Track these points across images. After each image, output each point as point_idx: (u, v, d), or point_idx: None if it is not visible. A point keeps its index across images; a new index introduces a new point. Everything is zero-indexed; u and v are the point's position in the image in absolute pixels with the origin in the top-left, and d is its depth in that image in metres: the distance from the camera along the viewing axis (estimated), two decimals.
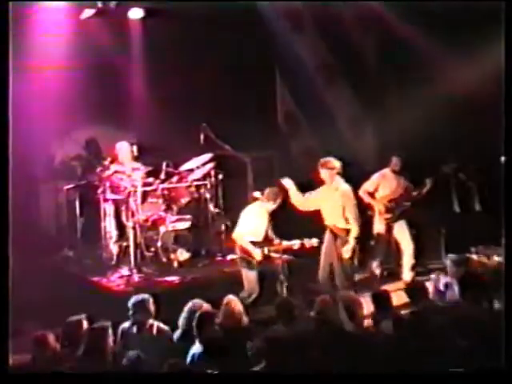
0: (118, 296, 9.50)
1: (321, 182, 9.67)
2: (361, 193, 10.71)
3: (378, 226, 10.80)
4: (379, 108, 12.83)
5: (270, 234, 9.49)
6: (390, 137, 12.39)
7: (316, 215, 9.67)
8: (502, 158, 10.30)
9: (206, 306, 7.51)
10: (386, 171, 10.82)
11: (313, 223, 9.79)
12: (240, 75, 11.75)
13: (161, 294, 9.35)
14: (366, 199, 10.73)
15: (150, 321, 7.45)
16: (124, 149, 10.89)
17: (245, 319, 7.58)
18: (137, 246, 10.38)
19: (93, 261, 10.81)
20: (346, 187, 9.59)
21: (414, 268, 10.62)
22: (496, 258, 9.74)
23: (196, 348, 6.80)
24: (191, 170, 10.99)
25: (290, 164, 12.53)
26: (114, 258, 10.72)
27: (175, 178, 10.90)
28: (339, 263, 9.52)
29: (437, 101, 11.85)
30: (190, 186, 10.93)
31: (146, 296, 7.53)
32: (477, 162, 11.02)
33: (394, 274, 10.76)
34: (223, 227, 11.03)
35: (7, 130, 5.82)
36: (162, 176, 10.80)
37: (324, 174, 9.62)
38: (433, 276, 8.72)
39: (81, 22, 11.04)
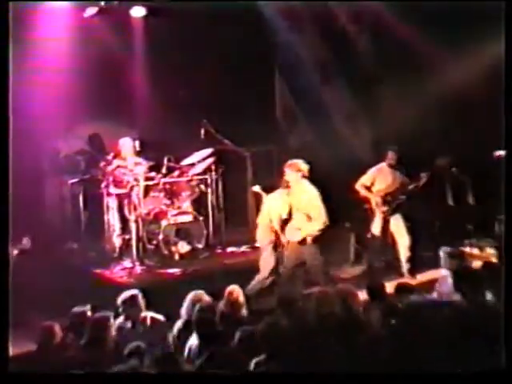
0: (120, 287, 9.45)
1: None
2: (358, 186, 10.68)
3: (375, 219, 10.76)
4: (375, 105, 12.82)
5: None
6: (385, 132, 12.35)
7: None
8: (496, 152, 10.33)
9: (207, 299, 7.47)
10: (383, 165, 10.77)
11: None
12: (240, 72, 11.75)
13: (162, 286, 9.41)
14: (363, 193, 10.69)
15: (143, 314, 7.39)
16: (127, 144, 10.87)
17: (244, 310, 7.54)
18: (139, 238, 10.40)
19: (96, 253, 10.82)
20: (312, 190, 9.49)
21: (409, 260, 10.57)
22: (488, 250, 9.71)
23: (193, 339, 6.74)
24: (192, 165, 11.00)
25: (288, 158, 12.46)
26: (117, 250, 10.76)
27: (176, 173, 10.90)
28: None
29: (431, 98, 11.89)
30: (191, 180, 10.91)
31: (135, 291, 7.48)
32: (470, 157, 10.96)
33: (390, 266, 10.72)
34: (223, 220, 10.97)
35: (7, 127, 5.72)
36: (164, 170, 10.79)
37: (290, 176, 9.54)
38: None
39: (84, 19, 10.98)
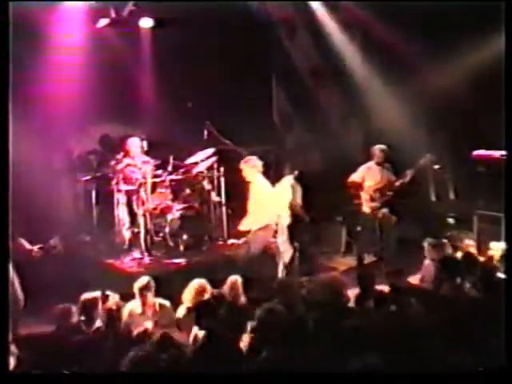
0: (130, 276, 9.57)
1: None
2: (349, 183, 10.77)
3: (365, 214, 10.86)
4: (364, 106, 12.84)
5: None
6: (374, 132, 12.43)
7: None
8: (474, 152, 10.46)
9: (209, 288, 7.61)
10: (371, 164, 10.85)
11: None
12: (240, 78, 11.74)
13: (169, 275, 9.50)
14: (354, 189, 10.78)
15: (152, 299, 7.54)
16: (135, 144, 10.84)
17: (243, 298, 7.64)
18: (147, 231, 10.38)
19: (107, 245, 10.79)
20: (267, 187, 9.72)
21: (395, 251, 10.66)
22: (467, 242, 9.80)
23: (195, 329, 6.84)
24: (196, 163, 10.97)
25: (285, 157, 12.58)
26: (127, 242, 10.65)
27: (181, 171, 10.91)
28: None
29: (416, 100, 11.92)
30: (194, 178, 10.95)
31: (148, 278, 7.60)
32: (451, 156, 11.05)
33: (377, 257, 10.81)
34: (224, 215, 11.09)
35: (7, 127, 5.83)
36: (170, 168, 10.76)
37: (246, 172, 9.71)
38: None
39: (97, 29, 11.09)
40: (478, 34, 10.81)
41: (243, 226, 9.85)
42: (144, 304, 7.48)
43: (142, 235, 10.39)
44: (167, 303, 7.64)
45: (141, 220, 10.42)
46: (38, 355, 6.06)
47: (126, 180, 10.64)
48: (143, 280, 7.57)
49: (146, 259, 10.21)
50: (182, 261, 10.13)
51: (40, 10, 10.17)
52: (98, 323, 6.97)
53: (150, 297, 7.52)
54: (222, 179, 11.07)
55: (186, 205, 10.80)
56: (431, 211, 11.30)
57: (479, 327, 6.14)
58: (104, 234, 10.98)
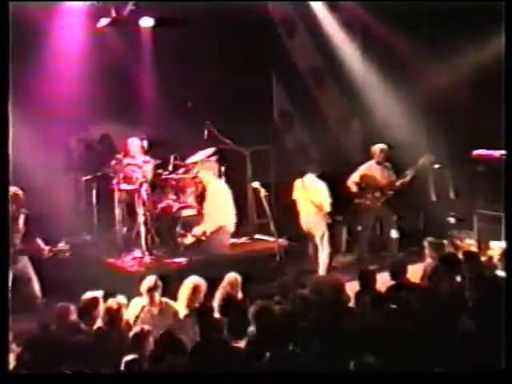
0: (131, 275, 9.58)
1: None
2: (349, 183, 10.78)
3: (365, 213, 10.87)
4: (364, 106, 12.83)
5: None
6: (373, 132, 12.44)
7: None
8: (474, 151, 10.46)
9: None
10: (372, 163, 10.86)
11: None
12: (240, 77, 11.74)
13: (170, 274, 9.49)
14: (354, 188, 10.79)
15: (159, 298, 7.56)
16: (135, 143, 10.84)
17: (240, 294, 7.72)
18: (147, 231, 10.41)
19: (108, 244, 10.80)
20: (223, 189, 9.88)
21: (395, 251, 10.68)
22: (468, 241, 9.81)
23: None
24: (196, 163, 11.02)
25: (284, 157, 12.60)
26: (127, 242, 10.72)
27: (182, 170, 10.91)
28: None
29: (416, 99, 11.92)
30: (195, 177, 10.94)
31: (155, 278, 7.61)
32: (451, 155, 11.05)
33: (378, 256, 10.83)
34: None
35: (7, 128, 5.83)
36: (170, 168, 10.79)
37: (202, 174, 9.81)
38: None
39: (97, 29, 11.09)
40: (478, 33, 10.81)
41: (197, 229, 9.92)
42: (151, 303, 7.48)
43: (142, 234, 10.37)
44: (173, 302, 7.64)
45: (141, 219, 10.39)
46: (37, 354, 6.05)
47: (127, 179, 10.63)
48: (150, 279, 7.57)
49: (147, 258, 10.19)
50: (182, 260, 10.11)
51: (40, 9, 10.17)
52: (99, 323, 6.98)
53: (158, 296, 7.53)
54: (223, 179, 11.03)
55: (186, 204, 10.79)
56: (431, 211, 11.29)
57: (479, 327, 6.15)
58: (104, 233, 10.97)
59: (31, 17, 9.86)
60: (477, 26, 10.69)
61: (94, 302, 7.16)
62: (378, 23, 12.10)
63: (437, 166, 10.85)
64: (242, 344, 6.43)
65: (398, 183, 10.69)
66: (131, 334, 6.41)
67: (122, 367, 5.70)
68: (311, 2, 12.37)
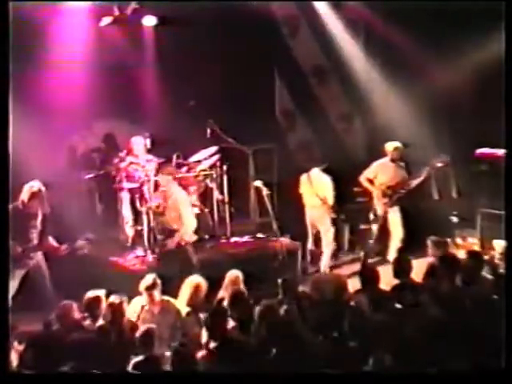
0: (133, 274, 9.58)
1: None
2: (362, 179, 10.75)
3: (376, 210, 10.82)
4: (367, 105, 12.82)
5: None
6: (376, 131, 12.42)
7: None
8: (476, 150, 10.44)
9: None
10: (385, 160, 10.80)
11: None
12: (243, 76, 11.72)
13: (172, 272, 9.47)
14: (366, 185, 10.77)
15: (159, 296, 7.55)
16: (138, 142, 10.85)
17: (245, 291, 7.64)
18: (150, 229, 10.40)
19: (111, 243, 10.81)
20: (181, 194, 9.99)
21: (399, 251, 10.62)
22: (470, 240, 9.79)
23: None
24: (199, 161, 10.98)
25: (287, 155, 12.59)
26: (130, 240, 10.71)
27: (185, 169, 10.90)
28: None
29: (419, 98, 11.89)
30: (197, 176, 10.94)
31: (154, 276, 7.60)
32: (454, 154, 11.02)
33: (380, 255, 10.82)
34: (227, 213, 11.07)
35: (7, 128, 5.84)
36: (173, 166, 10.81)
37: (162, 179, 9.84)
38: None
39: (100, 28, 11.10)
40: (478, 33, 10.80)
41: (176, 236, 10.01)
42: (151, 302, 7.48)
43: (145, 233, 10.37)
44: (173, 300, 7.63)
45: (144, 218, 10.39)
46: (38, 352, 6.05)
47: (130, 178, 10.65)
48: (149, 278, 7.56)
49: (150, 257, 10.18)
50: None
51: (43, 8, 10.20)
52: (101, 321, 6.98)
53: (157, 294, 7.51)
54: (225, 177, 11.04)
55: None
56: (434, 209, 11.26)
57: (479, 326, 6.14)
58: (107, 232, 10.98)
59: (33, 16, 9.88)
60: (477, 25, 10.69)
61: (97, 300, 7.17)
62: (381, 22, 12.06)
63: (439, 164, 10.77)
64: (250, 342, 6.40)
65: (413, 183, 10.62)
66: (137, 334, 6.42)
67: (131, 368, 5.70)
68: (314, 2, 12.35)
